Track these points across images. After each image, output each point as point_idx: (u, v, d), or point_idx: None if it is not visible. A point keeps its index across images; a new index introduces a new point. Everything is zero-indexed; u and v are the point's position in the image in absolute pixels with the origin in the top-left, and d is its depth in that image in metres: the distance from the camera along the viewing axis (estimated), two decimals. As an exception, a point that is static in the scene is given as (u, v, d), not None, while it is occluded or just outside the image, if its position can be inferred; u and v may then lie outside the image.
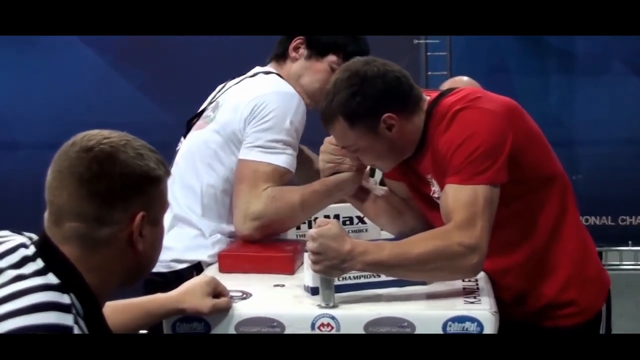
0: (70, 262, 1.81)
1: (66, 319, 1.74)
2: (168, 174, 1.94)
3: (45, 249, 1.84)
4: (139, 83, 5.46)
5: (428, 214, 2.81)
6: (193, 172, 2.98)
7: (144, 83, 5.45)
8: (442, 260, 2.39)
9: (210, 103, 3.14)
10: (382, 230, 3.12)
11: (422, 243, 2.41)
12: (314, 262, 2.38)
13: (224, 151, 2.94)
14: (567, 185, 2.75)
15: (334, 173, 2.86)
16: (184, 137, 3.13)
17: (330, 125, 2.66)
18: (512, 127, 2.56)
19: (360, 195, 2.96)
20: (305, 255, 2.46)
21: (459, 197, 2.47)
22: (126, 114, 5.15)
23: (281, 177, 2.88)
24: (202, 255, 2.91)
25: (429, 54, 5.42)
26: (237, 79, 3.14)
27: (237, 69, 3.18)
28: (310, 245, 2.39)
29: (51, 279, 1.78)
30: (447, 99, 2.66)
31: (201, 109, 3.19)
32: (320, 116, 2.68)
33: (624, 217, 5.55)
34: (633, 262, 5.66)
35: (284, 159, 2.88)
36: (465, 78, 4.17)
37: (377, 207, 2.98)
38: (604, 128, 5.44)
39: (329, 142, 2.83)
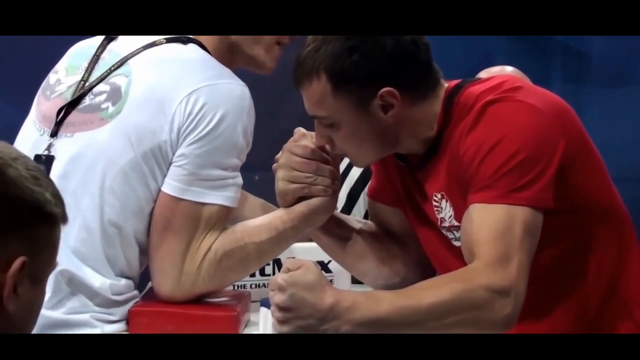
0: None
1: None
2: (65, 219, 1.51)
3: None
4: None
5: (432, 254, 2.29)
6: (87, 201, 2.18)
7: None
8: (463, 311, 1.96)
9: (84, 81, 2.25)
10: (357, 281, 2.49)
11: (434, 289, 1.98)
12: (281, 321, 1.94)
13: (138, 172, 2.17)
14: (627, 223, 2.23)
15: (300, 198, 2.26)
16: (52, 135, 2.23)
17: (305, 82, 2.15)
18: (564, 133, 2.10)
19: (333, 229, 2.36)
20: (262, 310, 2.11)
21: (487, 222, 2.02)
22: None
23: (226, 218, 2.24)
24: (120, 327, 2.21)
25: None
26: (126, 38, 2.28)
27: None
28: (276, 297, 1.95)
29: None
30: (474, 87, 2.19)
31: (64, 84, 2.29)
32: (293, 70, 2.16)
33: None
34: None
35: (231, 194, 2.22)
36: (509, 68, 3.24)
37: (358, 246, 2.38)
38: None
39: (290, 152, 2.25)
